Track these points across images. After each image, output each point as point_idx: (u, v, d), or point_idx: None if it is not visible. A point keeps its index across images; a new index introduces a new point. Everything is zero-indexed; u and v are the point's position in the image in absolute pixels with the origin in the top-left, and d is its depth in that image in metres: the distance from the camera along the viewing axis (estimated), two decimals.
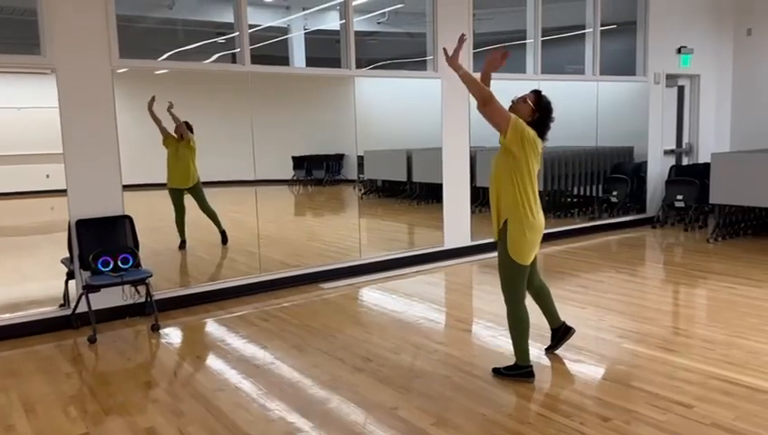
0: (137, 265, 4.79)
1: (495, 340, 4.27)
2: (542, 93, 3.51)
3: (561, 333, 3.94)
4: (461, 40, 3.55)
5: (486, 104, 3.34)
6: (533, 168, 3.41)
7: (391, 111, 7.49)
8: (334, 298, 5.55)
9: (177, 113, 5.90)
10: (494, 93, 3.58)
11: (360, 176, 7.47)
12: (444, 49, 3.55)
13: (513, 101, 3.51)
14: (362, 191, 7.77)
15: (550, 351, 3.97)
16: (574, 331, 3.97)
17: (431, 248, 6.91)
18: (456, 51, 3.49)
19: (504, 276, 3.55)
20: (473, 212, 7.14)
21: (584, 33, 8.23)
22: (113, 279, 4.57)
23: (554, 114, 3.52)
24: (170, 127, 5.89)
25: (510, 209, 3.45)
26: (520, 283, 3.53)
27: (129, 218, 4.99)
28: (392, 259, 6.62)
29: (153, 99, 5.61)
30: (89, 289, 4.58)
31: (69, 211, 4.81)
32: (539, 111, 3.45)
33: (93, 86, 4.84)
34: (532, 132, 3.38)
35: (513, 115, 3.36)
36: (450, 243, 6.99)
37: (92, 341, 4.50)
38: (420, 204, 7.96)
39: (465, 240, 7.06)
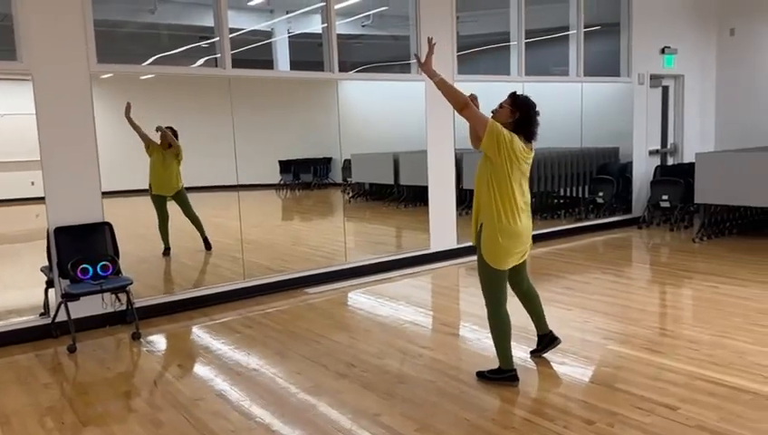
0: (117, 272, 4.72)
1: (481, 343, 4.24)
2: (518, 93, 3.49)
3: (546, 340, 3.91)
4: (431, 45, 3.52)
5: (463, 109, 3.34)
6: (513, 172, 3.36)
7: (378, 114, 7.47)
8: (319, 303, 5.50)
9: (161, 118, 5.84)
10: (480, 96, 3.59)
11: (348, 179, 7.43)
12: (416, 56, 3.52)
13: (492, 112, 3.49)
14: (350, 195, 7.74)
15: (535, 354, 3.94)
16: (560, 341, 3.93)
17: (417, 251, 6.88)
18: (428, 56, 3.47)
19: (482, 280, 3.54)
20: (459, 214, 7.12)
21: (568, 35, 8.25)
22: (92, 287, 4.50)
23: (539, 112, 3.49)
24: (152, 135, 5.82)
25: (485, 213, 3.44)
26: (498, 286, 3.50)
27: (109, 225, 4.92)
28: (378, 263, 6.58)
29: (129, 106, 5.52)
30: (68, 298, 4.50)
31: (47, 218, 4.74)
32: (518, 110, 3.42)
33: (71, 91, 4.77)
34: (509, 136, 3.34)
35: (490, 119, 3.35)
36: (436, 246, 6.96)
37: (72, 350, 4.43)
38: (407, 207, 7.93)
39: (452, 243, 7.04)
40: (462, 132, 7.21)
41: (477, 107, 3.43)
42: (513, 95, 3.48)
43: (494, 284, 3.49)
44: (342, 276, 6.26)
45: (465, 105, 3.34)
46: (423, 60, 3.49)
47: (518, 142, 3.37)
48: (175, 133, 5.89)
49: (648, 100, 8.98)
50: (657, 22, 8.83)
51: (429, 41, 3.54)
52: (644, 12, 8.64)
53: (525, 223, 3.48)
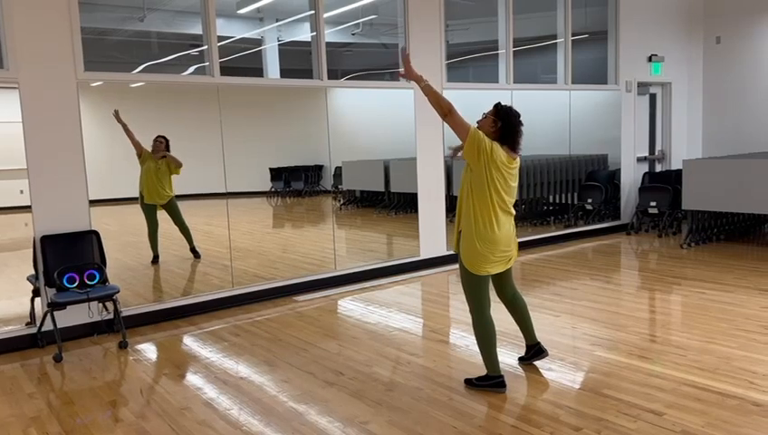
0: (103, 281, 4.70)
1: (469, 350, 4.24)
2: (502, 104, 3.50)
3: (534, 351, 3.90)
4: (405, 55, 3.49)
5: (447, 115, 3.36)
6: (493, 180, 3.36)
7: (369, 121, 7.48)
8: (308, 311, 5.49)
9: (150, 126, 5.82)
10: (469, 105, 3.59)
11: (339, 187, 7.42)
12: (400, 73, 3.52)
13: (477, 122, 3.50)
14: (341, 202, 7.73)
15: (523, 362, 3.94)
16: (547, 354, 3.92)
17: (407, 259, 6.89)
18: (407, 66, 3.46)
19: (464, 287, 3.55)
20: (449, 222, 7.14)
21: (556, 43, 8.31)
22: (79, 296, 4.48)
23: (525, 122, 3.50)
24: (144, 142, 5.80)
25: (464, 220, 3.47)
26: (480, 293, 3.50)
27: (96, 234, 4.90)
28: (368, 270, 6.58)
29: (117, 112, 5.48)
30: (54, 306, 4.47)
31: (34, 227, 4.71)
32: (500, 120, 3.43)
33: (58, 99, 4.76)
34: (490, 144, 3.35)
35: (472, 127, 3.36)
36: (426, 253, 6.97)
37: (58, 360, 4.40)
38: (398, 214, 7.93)
39: (441, 250, 7.05)
40: (452, 140, 7.23)
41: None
42: (497, 106, 3.48)
43: (475, 290, 3.50)
44: (332, 284, 6.25)
45: (448, 111, 3.35)
46: (405, 72, 3.47)
47: (500, 152, 3.37)
48: (167, 142, 5.87)
49: (636, 107, 9.06)
50: (644, 30, 8.92)
51: (403, 51, 3.55)
52: (631, 20, 8.72)
53: (505, 230, 3.46)
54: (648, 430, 3.02)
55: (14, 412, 3.58)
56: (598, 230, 8.69)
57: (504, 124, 3.42)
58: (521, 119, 3.48)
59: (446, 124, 3.44)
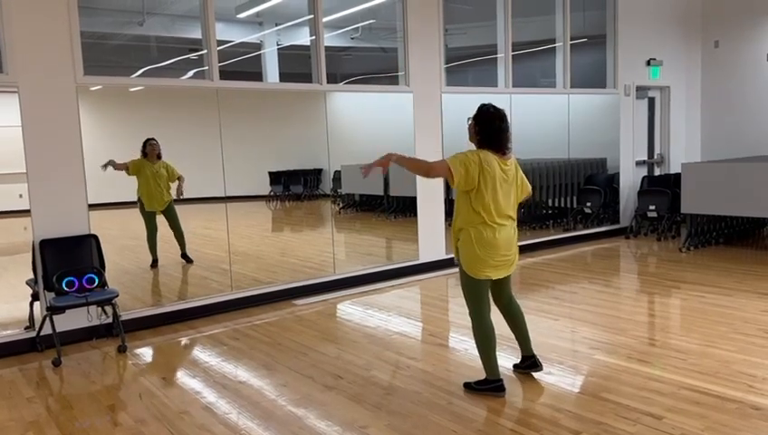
0: (102, 285, 4.69)
1: (469, 354, 4.24)
2: (483, 105, 3.46)
3: (528, 363, 3.81)
4: (366, 172, 3.50)
5: (429, 173, 3.40)
6: (488, 187, 3.35)
7: (368, 125, 7.49)
8: (307, 315, 5.48)
9: (149, 130, 5.82)
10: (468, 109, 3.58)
11: (338, 190, 7.43)
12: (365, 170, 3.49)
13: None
14: (340, 206, 7.73)
15: (517, 370, 3.87)
16: (541, 368, 3.81)
17: (406, 262, 6.89)
18: (375, 166, 3.49)
19: (464, 291, 3.55)
20: (448, 225, 7.14)
21: (555, 47, 8.33)
22: (78, 300, 4.47)
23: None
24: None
25: (462, 225, 3.47)
26: (479, 297, 3.50)
27: (95, 238, 4.90)
28: (367, 274, 6.58)
29: (110, 163, 5.48)
30: (53, 310, 4.47)
31: (33, 231, 4.71)
32: (477, 124, 3.42)
33: (58, 103, 4.77)
34: (476, 158, 3.33)
35: (448, 159, 3.34)
36: (425, 256, 6.97)
37: (57, 364, 4.39)
38: (398, 218, 7.93)
39: (440, 253, 7.05)
40: (450, 143, 7.23)
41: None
42: (478, 108, 3.45)
43: (475, 294, 3.50)
44: (331, 288, 6.25)
45: (428, 169, 3.38)
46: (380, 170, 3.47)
47: (489, 157, 3.36)
48: (157, 145, 5.85)
49: (635, 111, 9.08)
50: (642, 34, 8.94)
51: (362, 171, 3.51)
52: (630, 24, 8.75)
53: (504, 234, 3.45)
54: (647, 434, 3.02)
55: (13, 417, 3.57)
56: (597, 234, 8.69)
57: (481, 128, 3.40)
58: (501, 119, 3.39)
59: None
